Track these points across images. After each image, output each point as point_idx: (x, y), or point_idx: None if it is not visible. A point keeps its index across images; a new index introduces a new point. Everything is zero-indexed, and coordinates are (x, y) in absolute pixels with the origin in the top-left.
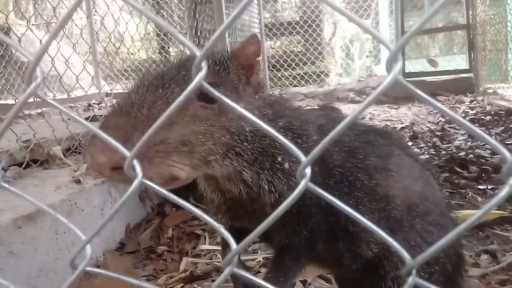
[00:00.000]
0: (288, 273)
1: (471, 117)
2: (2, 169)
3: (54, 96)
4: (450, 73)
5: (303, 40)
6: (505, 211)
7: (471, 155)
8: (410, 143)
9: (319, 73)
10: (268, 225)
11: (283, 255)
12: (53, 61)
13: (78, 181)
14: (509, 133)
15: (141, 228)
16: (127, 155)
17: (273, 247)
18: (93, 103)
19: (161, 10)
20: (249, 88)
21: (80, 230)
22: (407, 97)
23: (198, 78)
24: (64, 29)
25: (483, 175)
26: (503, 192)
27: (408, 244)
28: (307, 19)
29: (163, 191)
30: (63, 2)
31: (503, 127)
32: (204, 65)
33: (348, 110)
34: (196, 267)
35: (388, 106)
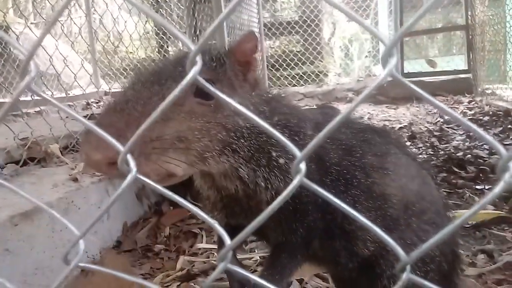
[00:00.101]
0: (284, 270)
1: (469, 117)
2: None
3: (52, 94)
4: (449, 74)
5: (302, 40)
6: (502, 211)
7: (469, 155)
8: (408, 143)
9: (318, 73)
10: (263, 220)
11: (279, 253)
12: (51, 59)
13: (75, 179)
14: (507, 133)
15: (138, 227)
16: (121, 150)
17: (269, 245)
18: (92, 102)
19: (160, 9)
20: (245, 85)
21: (76, 228)
22: (405, 97)
23: (193, 72)
24: (62, 27)
25: (481, 175)
26: (498, 188)
27: (404, 243)
28: (306, 19)
29: (158, 187)
30: (62, 1)
31: (501, 128)
32: (198, 59)
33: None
34: (193, 265)
35: (387, 106)
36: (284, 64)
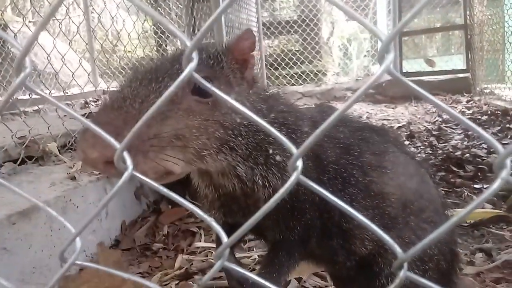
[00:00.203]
0: (282, 269)
1: (467, 117)
2: None
3: (50, 93)
4: (448, 73)
5: (301, 39)
6: (500, 209)
7: (467, 155)
8: (406, 143)
9: (317, 72)
10: (260, 217)
11: (277, 251)
12: (49, 58)
13: (73, 178)
14: (505, 132)
15: (137, 225)
16: (117, 147)
17: (267, 243)
18: (90, 101)
19: (159, 8)
20: (243, 83)
21: (74, 227)
22: (404, 96)
23: (189, 68)
24: (60, 26)
25: (479, 174)
26: (496, 184)
27: (402, 241)
28: (305, 18)
29: (156, 185)
30: None
31: (500, 127)
32: (195, 55)
33: None
34: (192, 264)
35: (385, 106)
36: (283, 63)
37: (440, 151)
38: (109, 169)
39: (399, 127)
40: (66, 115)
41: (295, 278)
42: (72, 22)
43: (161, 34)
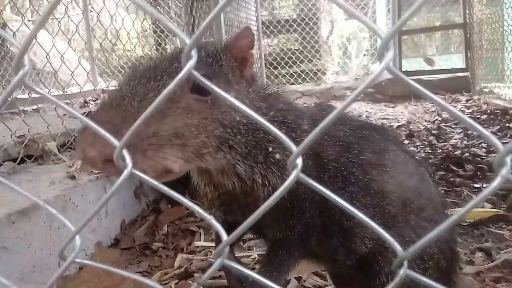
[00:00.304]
0: (282, 267)
1: (467, 115)
2: None
3: (49, 92)
4: (447, 72)
5: (300, 38)
6: (499, 209)
7: (467, 154)
8: (406, 142)
9: (316, 71)
10: (260, 215)
11: (277, 250)
12: (48, 57)
13: (72, 177)
14: (505, 132)
15: (136, 225)
16: (116, 145)
17: (267, 242)
18: (89, 100)
19: (158, 7)
20: (242, 81)
21: (74, 225)
22: (403, 95)
23: (188, 66)
24: (59, 25)
25: (479, 173)
26: (495, 182)
27: (403, 240)
28: (304, 17)
29: (156, 183)
30: None
31: (499, 126)
32: (194, 53)
33: None
34: (191, 263)
35: (385, 105)
36: (282, 62)
37: (440, 150)
38: (109, 167)
39: (398, 126)
40: (65, 114)
41: (294, 277)
42: (71, 21)
43: (160, 33)
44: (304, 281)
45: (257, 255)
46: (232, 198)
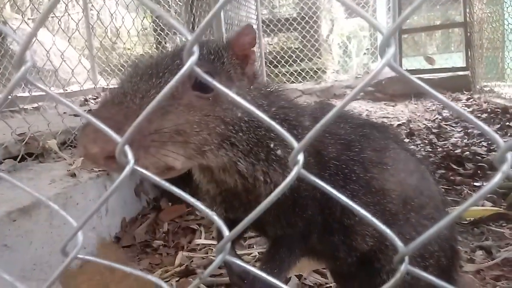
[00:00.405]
0: (283, 264)
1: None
2: None
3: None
4: (447, 71)
5: (301, 37)
6: (500, 207)
7: (467, 152)
8: (406, 140)
9: (316, 70)
10: (261, 211)
11: (278, 247)
12: (48, 55)
13: (73, 175)
14: (505, 130)
15: (137, 223)
16: (119, 141)
17: (268, 239)
18: (89, 98)
19: (158, 5)
20: (244, 78)
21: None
22: (404, 94)
23: (190, 62)
24: (59, 23)
25: (479, 172)
26: (496, 178)
27: (403, 238)
28: (304, 16)
29: (157, 179)
30: None
31: (499, 125)
32: (195, 49)
33: None
34: (192, 261)
35: (385, 103)
36: (283, 61)
37: (440, 149)
38: (110, 164)
39: (398, 125)
40: (65, 112)
41: (295, 275)
42: (71, 19)
43: (160, 32)
44: (305, 279)
45: (258, 253)
46: (234, 195)
